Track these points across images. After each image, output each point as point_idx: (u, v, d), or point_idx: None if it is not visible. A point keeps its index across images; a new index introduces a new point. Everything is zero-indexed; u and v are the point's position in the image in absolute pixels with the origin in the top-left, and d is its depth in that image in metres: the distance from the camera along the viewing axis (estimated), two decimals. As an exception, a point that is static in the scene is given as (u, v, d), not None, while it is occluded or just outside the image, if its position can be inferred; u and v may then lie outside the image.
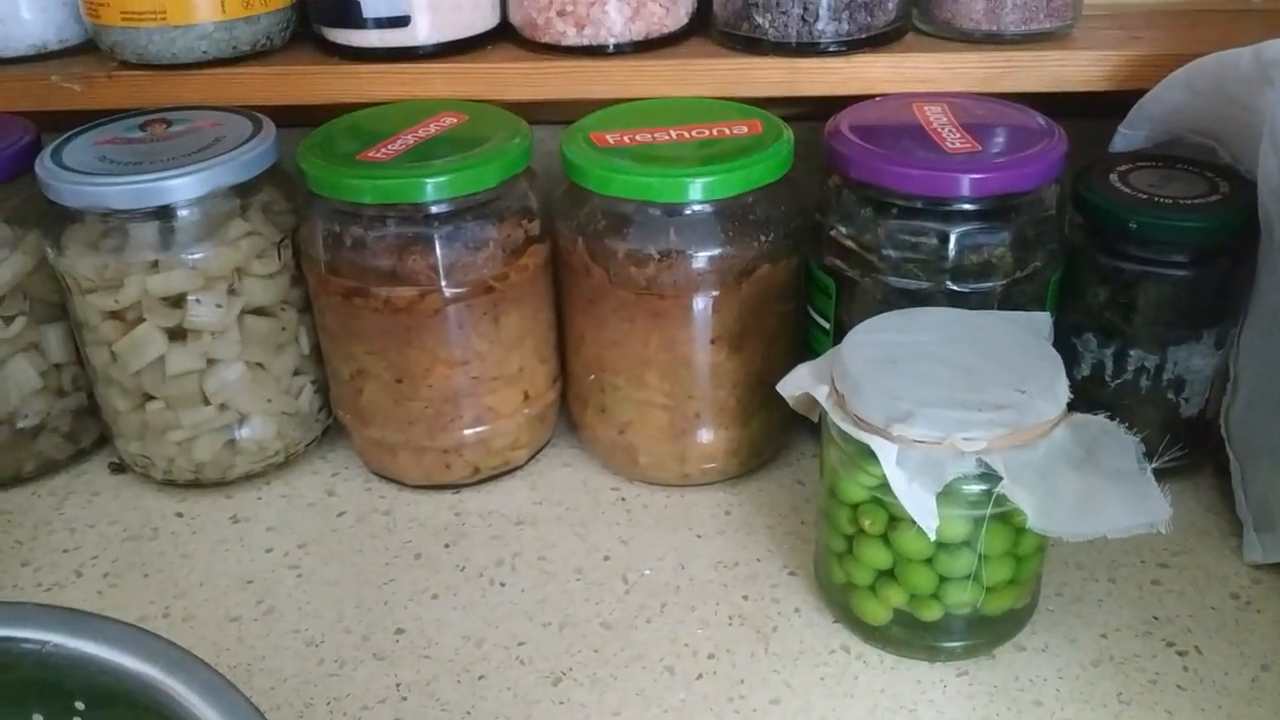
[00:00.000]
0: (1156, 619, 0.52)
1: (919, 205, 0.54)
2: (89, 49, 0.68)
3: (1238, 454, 0.56)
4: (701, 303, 0.56)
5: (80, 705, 0.38)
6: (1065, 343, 0.57)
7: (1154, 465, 0.46)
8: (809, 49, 0.62)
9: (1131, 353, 0.57)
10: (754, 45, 0.63)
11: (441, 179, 0.54)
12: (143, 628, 0.38)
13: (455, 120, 0.60)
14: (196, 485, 0.62)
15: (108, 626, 0.38)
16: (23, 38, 0.67)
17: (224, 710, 0.36)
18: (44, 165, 0.57)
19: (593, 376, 0.60)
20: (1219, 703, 0.47)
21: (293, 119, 0.64)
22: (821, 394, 0.48)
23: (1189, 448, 0.58)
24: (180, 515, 0.61)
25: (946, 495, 0.45)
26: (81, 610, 0.38)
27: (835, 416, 0.47)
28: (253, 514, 0.61)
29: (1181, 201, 0.54)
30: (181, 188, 0.56)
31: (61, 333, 0.62)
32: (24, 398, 0.62)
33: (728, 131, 0.58)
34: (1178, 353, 0.56)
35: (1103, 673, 0.49)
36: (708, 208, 0.55)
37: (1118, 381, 0.57)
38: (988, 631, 0.50)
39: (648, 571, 0.56)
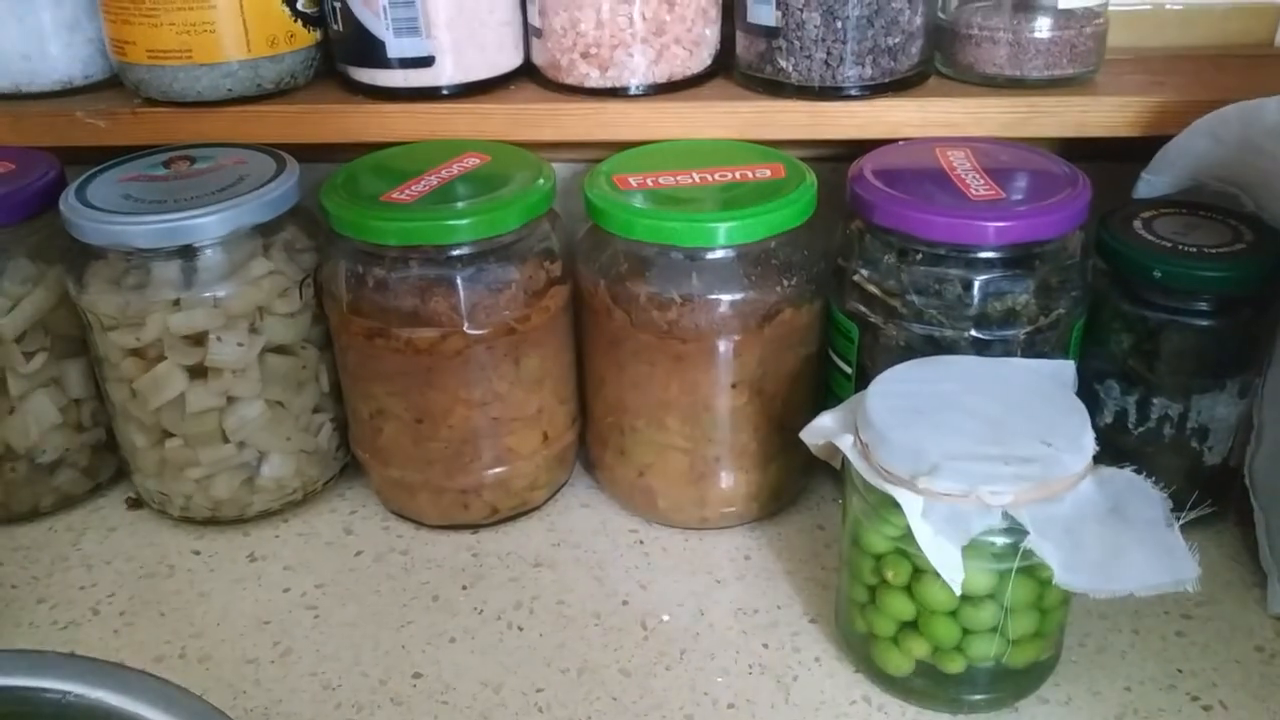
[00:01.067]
0: (1180, 672, 0.51)
1: (943, 252, 0.54)
2: (114, 85, 0.68)
3: (1262, 504, 0.56)
4: (723, 347, 0.55)
5: (99, 756, 0.37)
6: (1088, 389, 0.57)
7: (1182, 520, 0.45)
8: (832, 93, 0.62)
9: (1155, 401, 0.56)
10: (777, 88, 0.63)
11: (465, 221, 0.54)
12: (163, 678, 0.38)
13: (478, 161, 0.60)
14: (214, 522, 0.62)
15: (128, 677, 0.38)
16: (48, 73, 0.67)
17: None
18: (68, 203, 0.57)
19: (611, 419, 0.60)
20: (1246, 761, 0.47)
21: (316, 156, 0.64)
22: (846, 444, 0.48)
23: (1213, 497, 0.57)
24: (197, 553, 0.61)
25: (972, 548, 0.44)
26: (102, 660, 0.38)
27: (860, 467, 0.47)
28: (270, 552, 0.61)
29: (1205, 250, 0.54)
30: (205, 227, 0.56)
31: (82, 368, 0.62)
32: (43, 433, 0.62)
33: (750, 175, 0.58)
34: (1201, 401, 0.56)
35: (1127, 727, 0.49)
36: (730, 252, 0.55)
37: (1141, 429, 0.57)
38: (1011, 684, 0.49)
39: (666, 618, 0.55)
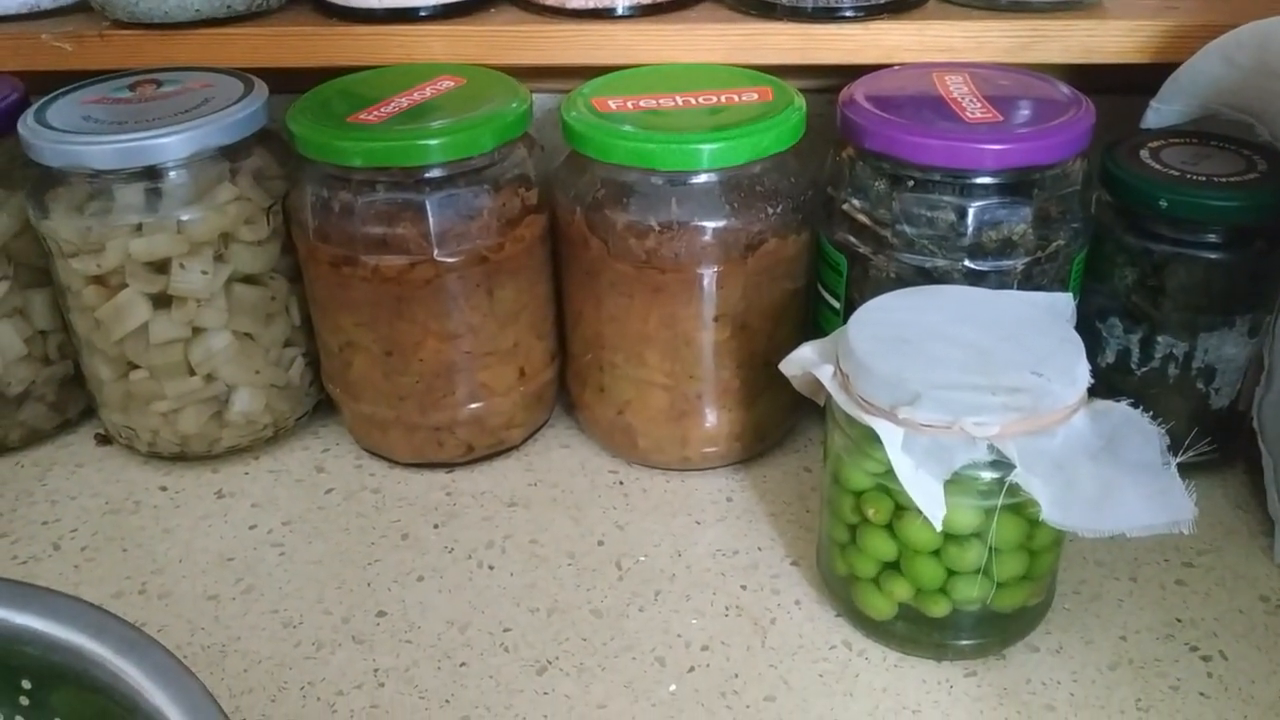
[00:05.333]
0: (1180, 621, 0.49)
1: (936, 178, 0.51)
2: (83, 8, 0.66)
3: (1271, 448, 0.53)
4: (704, 278, 0.53)
5: (27, 684, 0.36)
6: (1089, 327, 0.55)
7: (1180, 459, 0.43)
8: (825, 15, 0.59)
9: (1159, 339, 0.54)
10: (768, 10, 0.60)
11: (434, 142, 0.52)
12: (93, 604, 0.36)
13: (453, 84, 0.58)
14: (182, 458, 0.61)
15: (56, 601, 0.36)
16: (15, -5, 0.65)
17: (174, 694, 0.33)
18: (27, 124, 0.55)
19: (589, 355, 0.58)
20: (1244, 712, 0.44)
21: (294, 84, 0.61)
22: (825, 374, 0.46)
23: (1219, 441, 0.55)
24: (164, 489, 0.59)
25: (955, 483, 0.42)
26: (27, 583, 0.36)
27: (839, 399, 0.45)
28: (238, 489, 0.59)
29: (1216, 179, 0.51)
30: (167, 148, 0.54)
31: (47, 299, 0.60)
32: (8, 365, 0.60)
33: (736, 98, 0.55)
34: (1208, 340, 0.53)
35: (1120, 677, 0.46)
36: (713, 177, 0.52)
37: (1144, 369, 0.54)
38: (998, 630, 0.47)
39: (643, 558, 0.53)
